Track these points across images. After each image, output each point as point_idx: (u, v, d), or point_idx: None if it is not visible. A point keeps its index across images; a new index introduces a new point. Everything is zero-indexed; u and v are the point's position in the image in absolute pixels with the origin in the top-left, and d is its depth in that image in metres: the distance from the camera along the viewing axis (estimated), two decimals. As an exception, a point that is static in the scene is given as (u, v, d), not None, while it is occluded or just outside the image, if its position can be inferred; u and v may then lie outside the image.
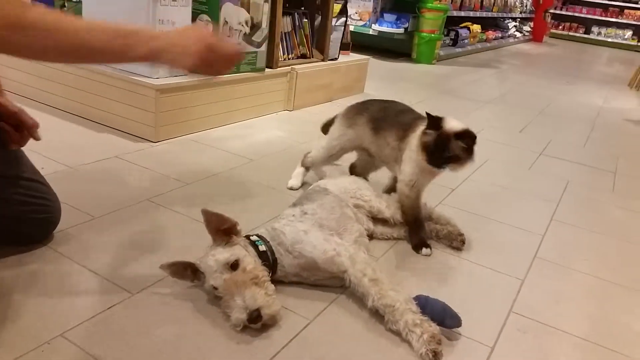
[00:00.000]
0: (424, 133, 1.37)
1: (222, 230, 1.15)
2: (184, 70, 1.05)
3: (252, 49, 2.43)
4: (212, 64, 1.08)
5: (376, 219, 1.49)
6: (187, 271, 1.16)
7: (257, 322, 1.03)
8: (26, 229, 1.25)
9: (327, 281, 1.23)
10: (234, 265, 1.08)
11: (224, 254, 1.10)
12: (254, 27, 2.40)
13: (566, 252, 1.60)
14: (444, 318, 1.11)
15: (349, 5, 3.50)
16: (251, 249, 1.16)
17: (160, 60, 1.01)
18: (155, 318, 1.07)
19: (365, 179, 1.70)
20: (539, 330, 1.20)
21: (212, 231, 1.14)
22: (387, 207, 1.48)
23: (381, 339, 1.10)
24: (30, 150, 1.80)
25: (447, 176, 2.08)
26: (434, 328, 1.06)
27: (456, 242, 1.50)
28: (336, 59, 3.20)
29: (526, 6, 9.07)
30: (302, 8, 2.97)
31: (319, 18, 3.03)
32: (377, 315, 1.14)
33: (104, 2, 2.09)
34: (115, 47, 0.95)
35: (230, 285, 1.05)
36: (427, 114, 1.36)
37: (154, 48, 0.98)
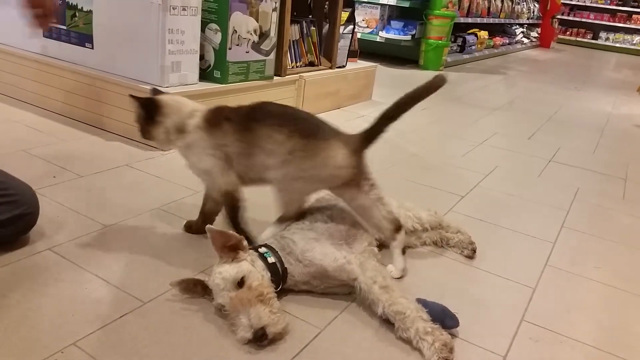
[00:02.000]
0: None
1: (228, 246, 1.15)
2: None
3: (260, 57, 2.44)
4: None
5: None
6: (197, 288, 1.17)
7: (262, 341, 1.03)
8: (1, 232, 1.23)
9: (337, 289, 1.23)
10: (240, 283, 1.09)
11: (230, 272, 1.10)
12: (263, 35, 2.41)
13: (577, 260, 1.59)
14: (444, 319, 1.12)
15: (356, 13, 3.51)
16: (259, 262, 1.16)
17: None
18: (166, 327, 1.08)
19: None
20: (551, 339, 1.19)
21: (218, 248, 1.14)
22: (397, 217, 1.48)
23: (392, 347, 1.09)
24: (42, 159, 1.83)
25: (455, 183, 2.08)
26: (446, 336, 1.06)
27: (467, 250, 1.50)
28: (344, 66, 3.21)
29: (533, 12, 9.06)
30: (310, 16, 2.99)
31: (327, 26, 3.05)
32: (388, 323, 1.14)
33: (115, 11, 2.12)
34: None
35: (236, 303, 1.05)
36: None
37: None
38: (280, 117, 1.26)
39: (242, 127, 1.27)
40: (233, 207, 1.35)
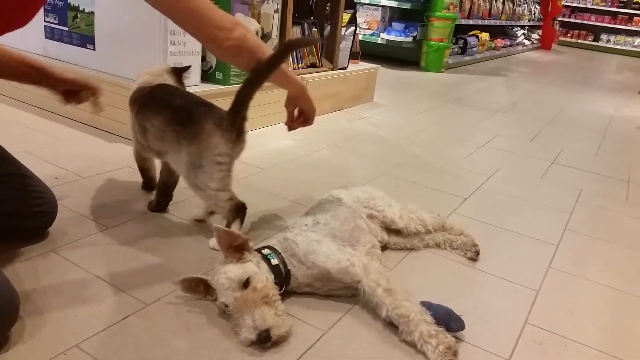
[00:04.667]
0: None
1: (234, 247, 1.14)
2: None
3: (262, 58, 2.44)
4: None
5: (389, 229, 1.49)
6: (200, 287, 1.16)
7: (266, 343, 1.03)
8: (25, 224, 1.29)
9: (340, 291, 1.23)
10: (245, 283, 1.08)
11: (235, 272, 1.09)
12: (265, 37, 2.41)
13: (580, 262, 1.58)
14: (449, 322, 1.12)
15: (357, 15, 3.52)
16: (263, 264, 1.15)
17: None
18: (169, 329, 1.07)
19: None
20: (555, 341, 1.19)
21: (224, 248, 1.14)
22: (400, 218, 1.47)
23: (396, 350, 1.09)
24: (44, 160, 1.82)
25: (458, 185, 2.08)
26: (450, 339, 1.06)
27: (470, 252, 1.49)
28: (345, 68, 3.21)
29: (534, 14, 9.06)
30: (312, 18, 2.99)
31: (328, 27, 3.05)
32: (392, 326, 1.13)
33: (116, 13, 2.12)
34: None
35: (241, 304, 1.05)
36: None
37: None
38: (160, 102, 1.39)
39: (142, 107, 1.42)
40: (139, 167, 1.63)
